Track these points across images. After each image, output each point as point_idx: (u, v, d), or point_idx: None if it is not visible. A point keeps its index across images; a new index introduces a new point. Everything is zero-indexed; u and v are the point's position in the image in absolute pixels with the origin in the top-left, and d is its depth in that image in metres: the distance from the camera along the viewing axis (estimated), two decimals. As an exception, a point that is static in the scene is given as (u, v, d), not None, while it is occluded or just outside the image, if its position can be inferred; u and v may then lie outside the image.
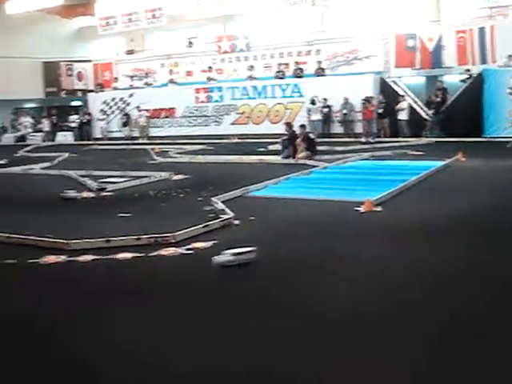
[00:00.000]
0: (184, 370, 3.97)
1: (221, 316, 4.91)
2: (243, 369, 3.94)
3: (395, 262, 6.32)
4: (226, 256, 6.22)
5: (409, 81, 24.98)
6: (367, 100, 22.47)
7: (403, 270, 5.96)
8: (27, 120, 31.85)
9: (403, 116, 22.48)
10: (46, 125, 31.69)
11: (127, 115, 28.93)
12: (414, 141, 20.73)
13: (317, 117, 23.79)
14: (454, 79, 23.58)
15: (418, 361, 3.94)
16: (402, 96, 22.82)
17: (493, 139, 20.02)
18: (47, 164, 18.08)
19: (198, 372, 3.92)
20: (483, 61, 22.10)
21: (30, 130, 31.59)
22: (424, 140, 21.14)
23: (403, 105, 22.48)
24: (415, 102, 23.22)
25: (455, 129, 21.02)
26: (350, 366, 3.92)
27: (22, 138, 30.85)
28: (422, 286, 5.45)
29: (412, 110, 22.74)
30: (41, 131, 31.67)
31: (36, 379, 3.96)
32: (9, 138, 31.42)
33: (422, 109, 23.07)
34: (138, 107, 28.40)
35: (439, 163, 13.80)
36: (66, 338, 4.57)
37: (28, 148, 25.69)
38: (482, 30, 22.27)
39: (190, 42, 30.67)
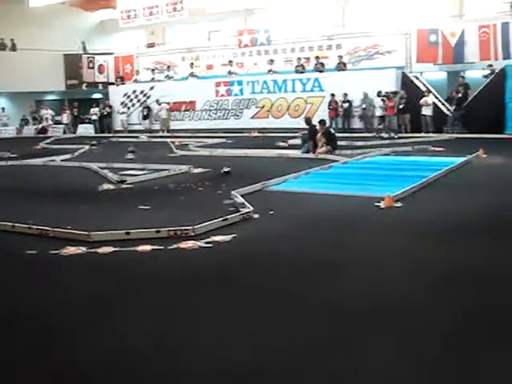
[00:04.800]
0: (202, 366, 3.99)
1: (241, 311, 4.92)
2: (270, 367, 3.94)
3: (415, 257, 6.29)
4: None
5: (430, 76, 24.82)
6: (387, 96, 22.28)
7: (422, 266, 5.93)
8: (48, 112, 32.03)
9: (428, 111, 22.26)
10: (66, 117, 31.86)
11: (148, 108, 29.04)
12: (435, 136, 20.63)
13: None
14: (476, 75, 23.37)
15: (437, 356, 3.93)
16: (427, 91, 22.63)
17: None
18: (68, 156, 18.20)
19: (225, 370, 3.94)
20: (506, 56, 21.85)
21: (50, 122, 31.78)
22: (445, 136, 21.03)
23: (428, 100, 22.28)
24: (436, 98, 23.04)
25: (477, 125, 20.84)
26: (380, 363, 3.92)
27: (43, 130, 31.04)
28: (443, 281, 5.43)
29: (434, 106, 22.56)
30: (61, 123, 31.87)
31: (59, 370, 4.00)
32: (30, 130, 31.63)
33: (443, 104, 22.90)
34: (157, 100, 28.49)
35: (460, 159, 13.70)
36: (85, 330, 4.60)
37: (49, 140, 25.87)
38: (505, 25, 22.02)
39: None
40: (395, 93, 22.46)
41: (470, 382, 3.65)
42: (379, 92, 22.53)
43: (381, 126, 22.39)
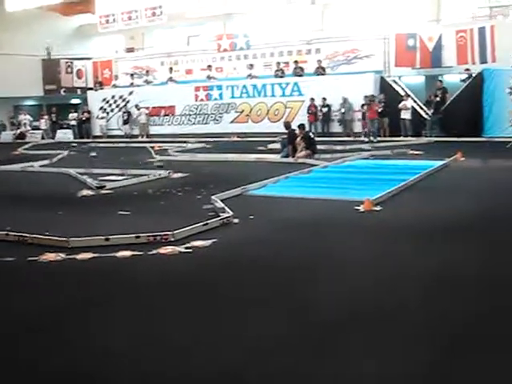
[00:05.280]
0: (186, 370, 3.97)
1: (219, 315, 4.91)
2: (247, 369, 3.94)
3: (393, 260, 6.31)
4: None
5: (409, 80, 25.02)
6: (371, 100, 22.40)
7: (401, 269, 5.95)
8: (26, 117, 31.81)
9: (407, 115, 22.43)
10: (44, 122, 31.65)
11: (128, 113, 28.94)
12: (413, 140, 20.79)
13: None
14: (453, 79, 23.60)
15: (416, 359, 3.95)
16: (406, 95, 22.80)
17: (492, 139, 20.03)
18: (46, 162, 18.08)
19: (202, 373, 3.92)
20: (483, 60, 22.08)
21: (29, 128, 31.56)
22: (424, 139, 21.19)
23: (407, 104, 22.44)
24: (415, 102, 23.21)
25: (455, 128, 21.05)
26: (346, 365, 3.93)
27: (21, 136, 30.80)
28: (421, 285, 5.46)
29: (412, 110, 22.71)
30: (40, 129, 31.65)
31: (33, 377, 3.96)
32: (8, 136, 31.38)
33: (421, 108, 23.07)
34: (136, 105, 28.41)
35: (438, 163, 13.80)
36: (63, 336, 4.56)
37: (27, 146, 25.68)
38: (482, 30, 22.25)
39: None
40: (373, 97, 22.59)
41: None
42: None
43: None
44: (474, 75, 21.80)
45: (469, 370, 3.80)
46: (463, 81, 22.46)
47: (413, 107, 22.71)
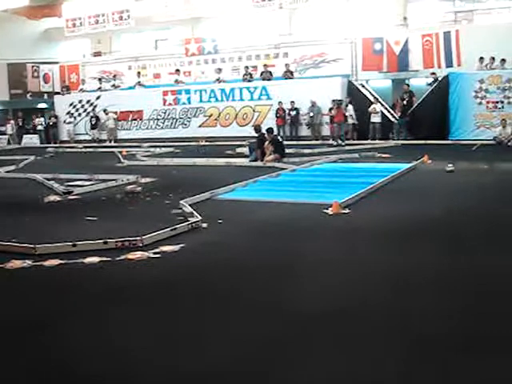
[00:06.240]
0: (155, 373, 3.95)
1: (188, 319, 4.90)
2: (219, 371, 3.94)
3: (361, 262, 6.36)
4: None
5: (376, 84, 25.23)
6: (338, 103, 22.54)
7: (369, 270, 6.00)
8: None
9: (376, 119, 22.60)
10: (11, 127, 31.23)
11: (97, 117, 28.71)
12: (381, 143, 20.97)
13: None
14: (420, 82, 23.88)
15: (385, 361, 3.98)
16: (375, 99, 22.97)
17: (458, 142, 20.30)
18: (12, 167, 17.85)
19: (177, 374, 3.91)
20: (449, 64, 22.38)
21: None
22: (391, 143, 21.39)
23: (377, 107, 22.62)
24: (382, 105, 23.41)
25: (421, 131, 21.32)
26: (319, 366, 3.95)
27: (-14, 141, 30.40)
28: (387, 286, 5.51)
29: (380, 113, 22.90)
30: (5, 134, 31.23)
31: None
32: (-27, 141, 30.93)
33: (389, 112, 23.28)
34: (104, 110, 28.23)
35: (406, 165, 13.93)
36: (30, 345, 4.51)
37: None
38: (447, 34, 22.57)
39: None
40: (341, 101, 22.73)
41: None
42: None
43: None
44: (439, 79, 22.08)
45: (431, 370, 3.84)
46: (429, 84, 22.77)
47: (381, 111, 22.89)
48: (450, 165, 13.37)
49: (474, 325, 4.56)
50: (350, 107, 22.72)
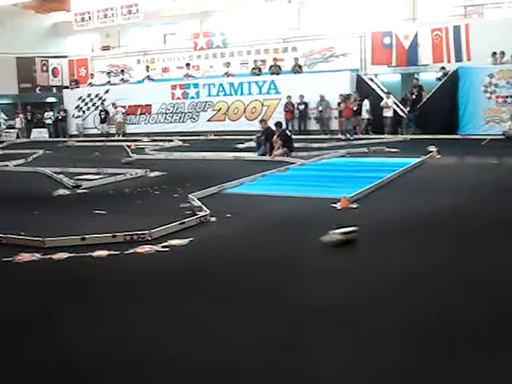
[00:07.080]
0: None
1: (196, 313, 4.90)
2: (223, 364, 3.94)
3: (369, 258, 6.35)
4: (335, 235, 6.59)
5: (385, 78, 25.13)
6: (346, 98, 22.50)
7: (377, 266, 5.98)
8: (1, 116, 31.43)
9: (389, 113, 22.49)
10: (20, 121, 31.29)
11: (106, 111, 28.73)
12: (389, 138, 20.90)
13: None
14: (429, 77, 23.76)
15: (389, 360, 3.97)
16: (387, 93, 22.86)
17: (467, 137, 20.21)
18: (21, 161, 17.90)
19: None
20: (458, 59, 22.25)
21: (3, 127, 31.18)
22: (400, 137, 21.32)
23: (388, 102, 22.51)
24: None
25: (430, 126, 21.21)
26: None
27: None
28: (395, 280, 5.49)
29: (390, 108, 22.84)
30: (15, 128, 31.30)
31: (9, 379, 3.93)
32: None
33: (398, 106, 23.18)
34: (113, 104, 28.25)
35: (414, 160, 13.89)
36: (40, 337, 4.53)
37: (1, 145, 25.42)
38: (456, 28, 22.41)
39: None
40: (348, 95, 22.68)
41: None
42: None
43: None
44: (449, 73, 21.96)
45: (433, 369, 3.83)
46: (439, 79, 22.65)
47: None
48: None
49: (488, 322, 4.55)
50: (366, 102, 22.63)
